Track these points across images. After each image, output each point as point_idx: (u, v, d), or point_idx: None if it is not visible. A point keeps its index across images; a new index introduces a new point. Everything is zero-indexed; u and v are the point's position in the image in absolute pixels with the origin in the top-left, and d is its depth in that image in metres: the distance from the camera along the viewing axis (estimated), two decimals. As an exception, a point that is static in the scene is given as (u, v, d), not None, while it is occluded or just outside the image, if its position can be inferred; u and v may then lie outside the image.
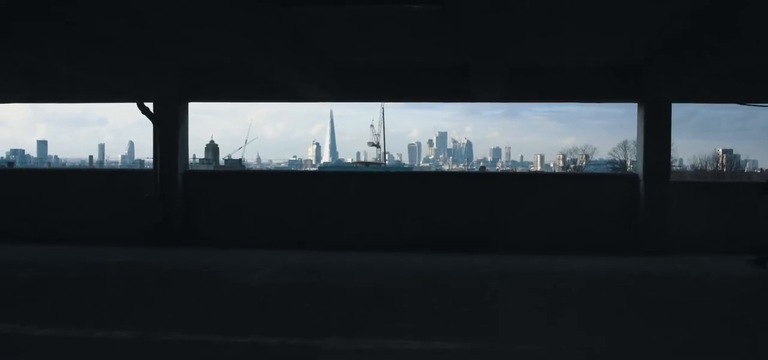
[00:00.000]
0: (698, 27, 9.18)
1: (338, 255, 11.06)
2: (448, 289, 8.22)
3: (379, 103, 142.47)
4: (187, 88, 12.46)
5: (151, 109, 12.27)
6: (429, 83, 12.32)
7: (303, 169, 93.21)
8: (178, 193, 12.41)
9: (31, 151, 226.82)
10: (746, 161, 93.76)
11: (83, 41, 9.77)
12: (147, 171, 13.00)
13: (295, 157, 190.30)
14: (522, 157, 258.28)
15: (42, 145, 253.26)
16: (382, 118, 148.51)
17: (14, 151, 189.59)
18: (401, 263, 10.26)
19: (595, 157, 77.86)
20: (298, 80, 10.69)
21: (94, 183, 13.25)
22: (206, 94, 12.80)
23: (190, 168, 13.34)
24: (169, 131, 12.36)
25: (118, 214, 12.52)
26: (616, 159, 65.85)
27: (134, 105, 12.13)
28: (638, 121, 12.35)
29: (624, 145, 66.81)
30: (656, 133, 12.00)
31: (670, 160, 12.24)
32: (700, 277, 9.34)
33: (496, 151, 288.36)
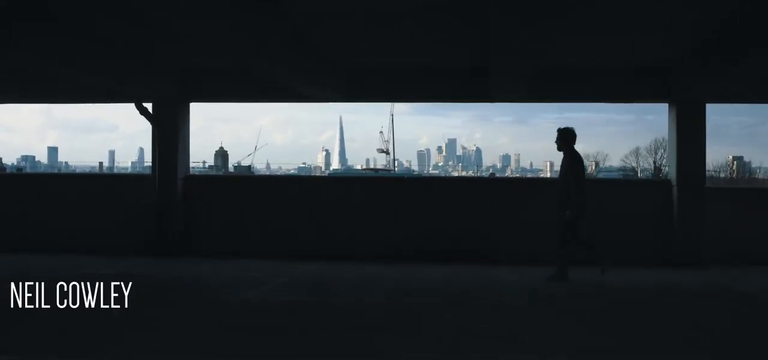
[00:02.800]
0: (735, 25, 8.41)
1: (346, 265, 10.32)
2: (472, 306, 7.42)
3: (389, 111, 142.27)
4: (188, 89, 11.74)
5: (151, 110, 11.55)
6: (441, 83, 11.56)
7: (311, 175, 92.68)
8: (178, 199, 11.66)
9: (42, 157, 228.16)
10: (758, 168, 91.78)
11: (82, 41, 9.15)
12: (147, 176, 12.26)
13: (304, 163, 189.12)
14: (531, 163, 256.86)
15: (52, 151, 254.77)
16: (391, 124, 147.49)
17: (25, 158, 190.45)
18: (414, 275, 9.48)
19: (607, 164, 76.68)
20: (300, 80, 10.03)
21: (91, 188, 12.47)
22: (207, 94, 12.08)
23: (192, 173, 12.62)
24: (169, 133, 11.62)
25: (115, 221, 11.78)
26: (628, 166, 65.13)
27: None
28: (670, 123, 11.56)
29: (636, 152, 66.11)
30: (690, 136, 11.19)
31: (705, 164, 11.41)
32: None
33: (506, 158, 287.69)
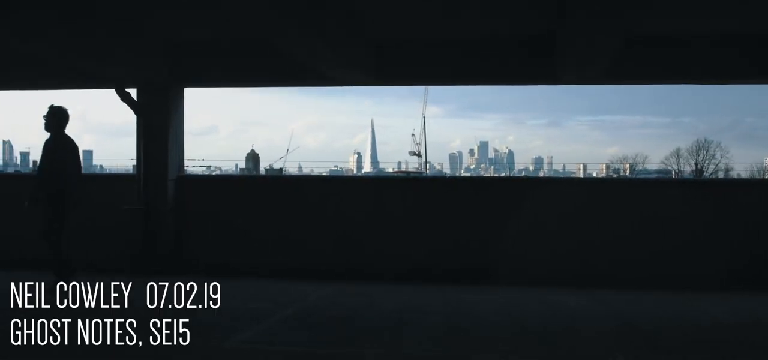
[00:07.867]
0: None
1: (374, 288, 8.27)
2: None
3: (421, 113, 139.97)
4: (181, 70, 9.56)
5: (135, 97, 9.52)
6: (492, 61, 9.29)
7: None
8: (168, 204, 9.55)
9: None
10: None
11: (47, 10, 7.12)
12: (131, 176, 10.19)
13: (336, 166, 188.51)
14: (564, 166, 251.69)
15: (87, 154, 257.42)
16: (423, 127, 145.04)
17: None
18: (465, 303, 7.25)
19: (645, 166, 73.31)
20: (321, 56, 7.95)
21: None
22: (206, 77, 9.89)
23: (191, 173, 10.54)
24: (157, 124, 9.55)
25: (99, 230, 9.67)
26: (668, 168, 62.93)
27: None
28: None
29: (677, 153, 63.95)
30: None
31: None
32: None
33: (538, 161, 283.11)
